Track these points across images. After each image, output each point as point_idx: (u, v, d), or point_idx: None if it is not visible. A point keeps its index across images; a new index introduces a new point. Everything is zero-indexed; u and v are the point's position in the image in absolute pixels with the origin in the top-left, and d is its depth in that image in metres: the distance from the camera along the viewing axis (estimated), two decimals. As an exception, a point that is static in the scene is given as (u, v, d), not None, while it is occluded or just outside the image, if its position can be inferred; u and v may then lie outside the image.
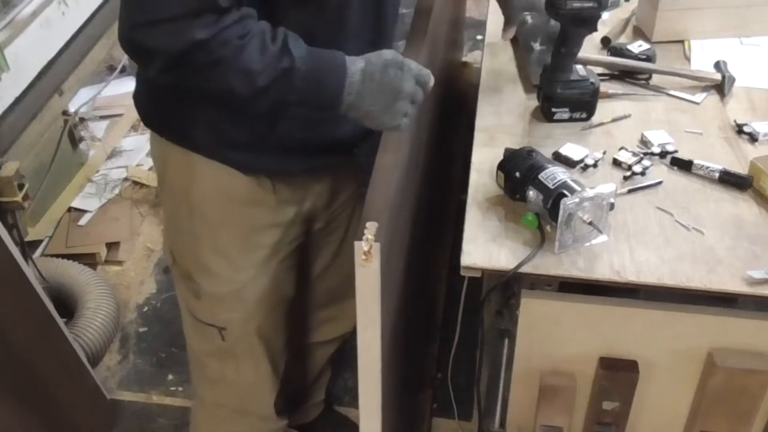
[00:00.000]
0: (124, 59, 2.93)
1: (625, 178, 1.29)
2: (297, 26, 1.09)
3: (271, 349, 1.47)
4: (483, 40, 1.75)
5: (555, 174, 1.16)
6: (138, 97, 1.30)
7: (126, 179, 2.71)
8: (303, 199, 1.36)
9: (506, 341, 1.25)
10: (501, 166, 1.25)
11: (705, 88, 1.52)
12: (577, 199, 1.10)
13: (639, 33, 1.69)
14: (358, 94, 1.09)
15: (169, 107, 1.22)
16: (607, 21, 1.69)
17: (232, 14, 1.02)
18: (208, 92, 1.10)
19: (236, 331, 1.41)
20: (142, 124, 2.90)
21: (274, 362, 1.49)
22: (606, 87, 1.49)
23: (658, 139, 1.36)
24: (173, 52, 1.01)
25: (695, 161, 1.30)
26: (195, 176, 1.27)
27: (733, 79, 1.52)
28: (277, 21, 1.08)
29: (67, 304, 2.19)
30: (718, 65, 1.55)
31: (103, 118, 3.01)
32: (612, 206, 1.14)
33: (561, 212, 1.09)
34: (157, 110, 1.27)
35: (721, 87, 1.51)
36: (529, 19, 1.59)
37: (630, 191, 1.26)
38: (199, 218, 1.31)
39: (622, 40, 1.66)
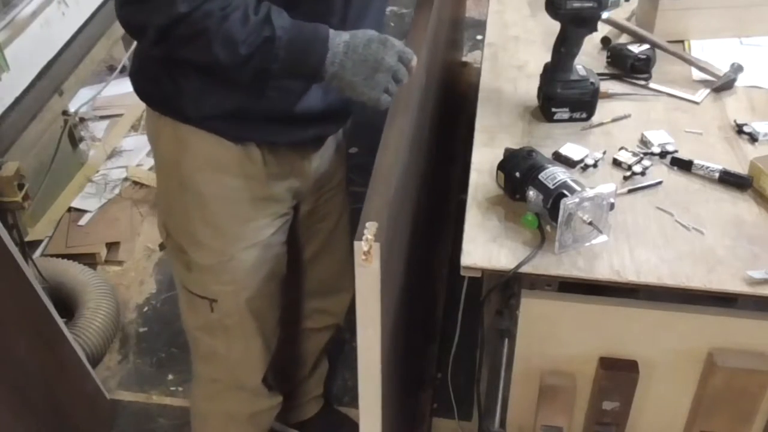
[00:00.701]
0: (124, 59, 2.94)
1: (625, 178, 1.29)
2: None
3: (262, 324, 1.48)
4: (483, 40, 1.75)
5: (555, 174, 1.16)
6: (133, 72, 1.34)
7: (126, 179, 2.71)
8: (290, 175, 1.38)
9: (506, 341, 1.25)
10: (501, 166, 1.25)
11: (706, 84, 1.52)
12: (577, 199, 1.10)
13: (639, 33, 1.69)
14: (341, 64, 1.13)
15: (160, 80, 1.26)
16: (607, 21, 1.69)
17: None
18: (196, 62, 1.15)
19: (226, 304, 1.42)
20: (141, 124, 2.91)
21: (265, 338, 1.50)
22: (606, 87, 1.49)
23: (658, 139, 1.36)
24: (160, 25, 1.08)
25: (695, 161, 1.30)
26: (185, 147, 1.29)
27: (732, 79, 1.52)
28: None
29: (67, 304, 2.19)
30: (733, 66, 1.54)
31: (103, 118, 3.01)
32: (612, 206, 1.14)
33: (561, 212, 1.09)
34: (149, 83, 1.30)
35: (724, 85, 1.51)
36: None
37: (630, 191, 1.26)
38: (190, 190, 1.33)
39: (622, 40, 1.66)
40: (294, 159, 1.37)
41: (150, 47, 1.14)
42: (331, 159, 1.49)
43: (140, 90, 1.33)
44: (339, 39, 1.13)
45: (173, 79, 1.25)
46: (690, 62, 1.57)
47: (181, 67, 1.20)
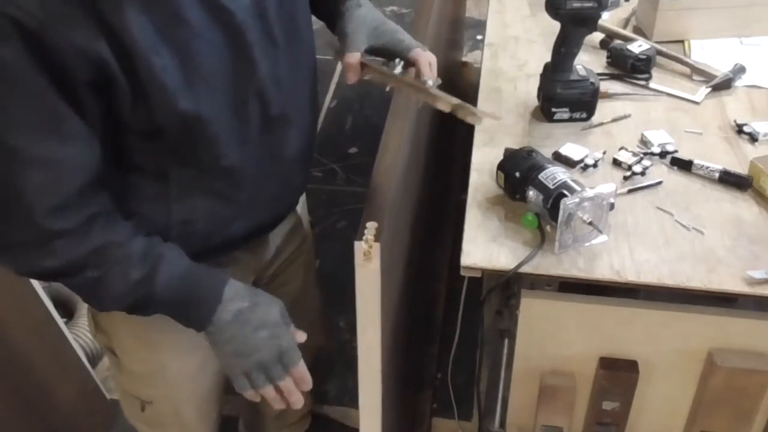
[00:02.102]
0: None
1: (625, 178, 1.29)
2: (154, 163, 1.01)
3: (204, 416, 1.38)
4: (483, 40, 1.75)
5: (555, 174, 1.16)
6: None
7: (126, 179, 2.70)
8: (234, 271, 1.19)
9: (506, 341, 1.25)
10: (501, 166, 1.25)
11: (705, 83, 1.52)
12: (577, 199, 1.10)
13: (639, 33, 1.69)
14: (220, 329, 1.04)
15: None
16: (607, 21, 1.69)
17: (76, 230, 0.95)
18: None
19: (161, 406, 1.32)
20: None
21: (208, 426, 1.40)
22: (606, 87, 1.49)
23: (658, 139, 1.36)
24: (37, 275, 1.00)
25: (695, 161, 1.30)
26: None
27: (730, 78, 1.52)
28: (130, 160, 1.00)
29: (67, 304, 2.19)
30: (734, 67, 1.54)
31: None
32: (612, 206, 1.14)
33: (561, 212, 1.09)
34: None
35: (721, 84, 1.51)
36: None
37: (630, 191, 1.26)
38: None
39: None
40: (237, 256, 1.22)
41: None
42: (286, 231, 1.34)
43: None
44: (233, 305, 1.04)
45: None
46: (687, 64, 1.57)
47: None
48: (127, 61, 0.88)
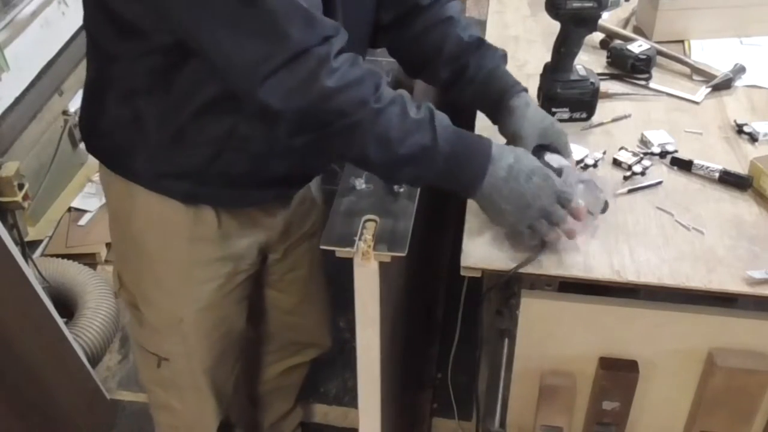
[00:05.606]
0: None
1: (625, 178, 1.29)
2: None
3: (216, 382, 1.42)
4: (483, 40, 1.75)
5: (550, 160, 1.16)
6: (82, 121, 1.25)
7: (126, 179, 2.71)
8: (252, 232, 1.30)
9: (506, 341, 1.25)
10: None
11: (705, 82, 1.52)
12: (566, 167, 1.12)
13: (639, 33, 1.69)
14: (496, 188, 1.05)
15: (112, 134, 1.18)
16: (607, 21, 1.69)
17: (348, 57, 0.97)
18: (345, 157, 1.07)
19: (178, 364, 1.37)
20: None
21: (219, 395, 1.45)
22: (606, 87, 1.49)
23: (658, 139, 1.36)
24: (301, 108, 0.96)
25: (695, 161, 1.30)
26: (135, 208, 1.23)
27: (730, 78, 1.52)
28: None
29: (67, 304, 2.19)
30: (734, 67, 1.54)
31: (103, 118, 3.01)
32: (606, 204, 1.14)
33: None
34: (99, 138, 1.22)
35: (721, 84, 1.51)
36: None
37: (630, 191, 1.26)
38: (140, 248, 1.26)
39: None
40: (256, 215, 1.29)
41: (289, 136, 1.00)
42: (301, 206, 1.41)
43: (90, 144, 1.25)
44: (503, 161, 1.05)
45: (127, 133, 1.15)
46: (687, 64, 1.57)
47: (139, 120, 1.11)
48: None
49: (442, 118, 1.03)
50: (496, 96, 1.22)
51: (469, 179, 1.05)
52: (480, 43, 1.24)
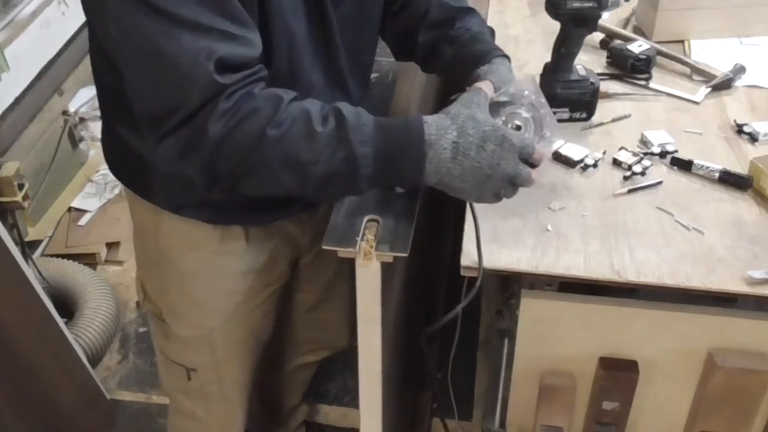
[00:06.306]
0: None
1: (625, 178, 1.29)
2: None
3: (243, 390, 1.43)
4: (483, 40, 1.75)
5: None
6: (104, 142, 1.24)
7: (126, 179, 2.71)
8: (281, 243, 1.29)
9: (506, 341, 1.25)
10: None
11: (705, 82, 1.52)
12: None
13: (639, 33, 1.69)
14: (448, 172, 0.96)
15: (132, 162, 1.15)
16: (607, 21, 1.69)
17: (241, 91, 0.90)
18: (267, 194, 0.98)
19: (206, 374, 1.37)
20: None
21: (244, 402, 1.45)
22: (606, 87, 1.49)
23: (658, 139, 1.36)
24: (201, 160, 0.91)
25: (695, 161, 1.30)
26: (161, 224, 1.21)
27: (730, 78, 1.52)
28: None
29: (67, 304, 2.19)
30: (734, 67, 1.54)
31: (103, 117, 3.01)
32: (541, 104, 1.13)
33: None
34: (121, 162, 1.21)
35: (721, 84, 1.51)
36: None
37: (630, 191, 1.26)
38: (167, 261, 1.25)
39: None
40: (285, 226, 1.28)
41: (206, 190, 0.95)
42: (329, 210, 1.36)
43: (110, 161, 1.23)
44: (444, 140, 0.94)
45: (140, 167, 1.11)
46: (687, 64, 1.57)
47: (145, 156, 1.06)
48: None
49: (356, 119, 0.93)
50: (476, 56, 1.15)
51: (410, 173, 0.96)
52: (470, 10, 1.22)
